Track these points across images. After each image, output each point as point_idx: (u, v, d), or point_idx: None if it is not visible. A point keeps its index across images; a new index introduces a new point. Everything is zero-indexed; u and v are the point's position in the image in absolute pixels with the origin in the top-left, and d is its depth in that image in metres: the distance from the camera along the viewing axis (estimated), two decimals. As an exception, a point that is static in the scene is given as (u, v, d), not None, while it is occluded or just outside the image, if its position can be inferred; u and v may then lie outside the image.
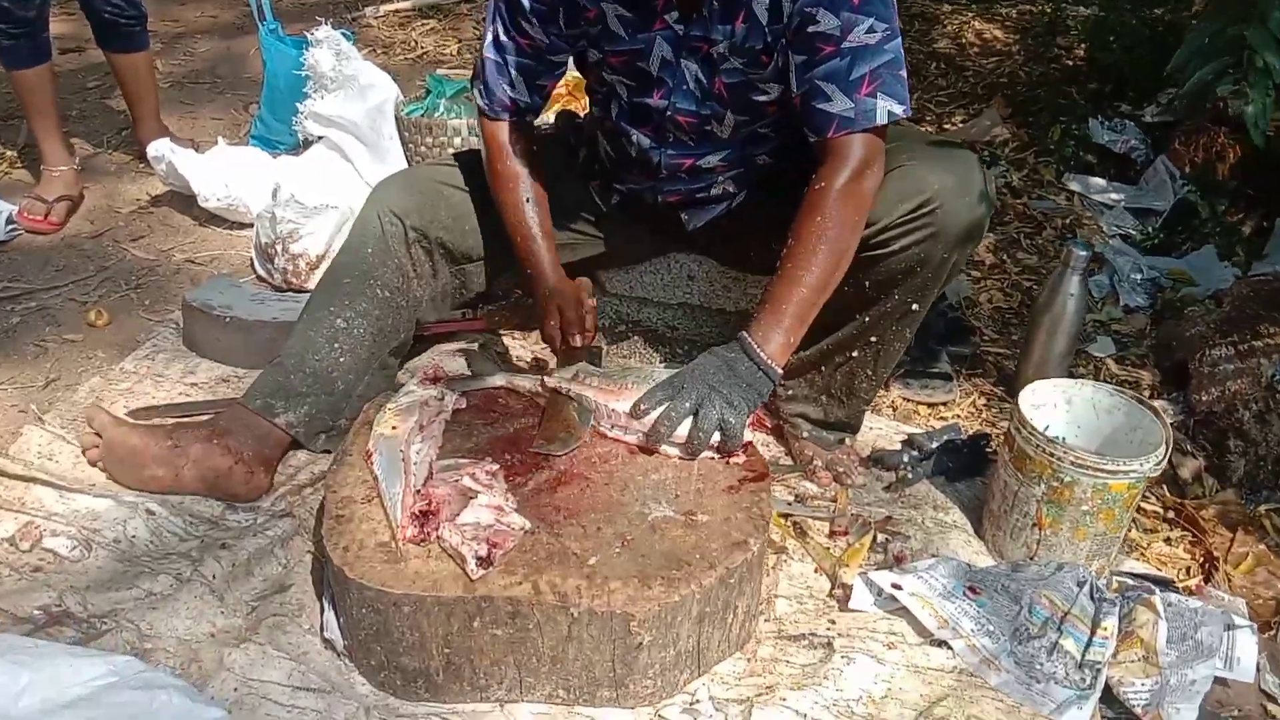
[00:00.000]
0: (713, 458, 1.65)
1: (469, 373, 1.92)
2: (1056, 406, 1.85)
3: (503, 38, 1.74)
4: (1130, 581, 1.71)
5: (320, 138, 2.72)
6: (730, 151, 1.80)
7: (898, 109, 1.57)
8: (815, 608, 1.68)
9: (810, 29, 1.54)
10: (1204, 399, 2.09)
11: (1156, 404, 2.14)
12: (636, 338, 2.39)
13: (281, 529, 1.74)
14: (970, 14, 4.38)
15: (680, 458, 1.64)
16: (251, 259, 2.61)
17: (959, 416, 2.19)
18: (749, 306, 2.26)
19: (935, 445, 2.03)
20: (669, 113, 1.73)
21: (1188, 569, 1.84)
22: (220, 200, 2.64)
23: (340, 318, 1.83)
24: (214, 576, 1.62)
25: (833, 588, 1.71)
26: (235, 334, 2.16)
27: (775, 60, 1.62)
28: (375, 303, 1.84)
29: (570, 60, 1.83)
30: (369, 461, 1.62)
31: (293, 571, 1.68)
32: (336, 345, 1.83)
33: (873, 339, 1.81)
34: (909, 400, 2.22)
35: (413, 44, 4.28)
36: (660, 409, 1.59)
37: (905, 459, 1.99)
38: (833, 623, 1.65)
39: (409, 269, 1.86)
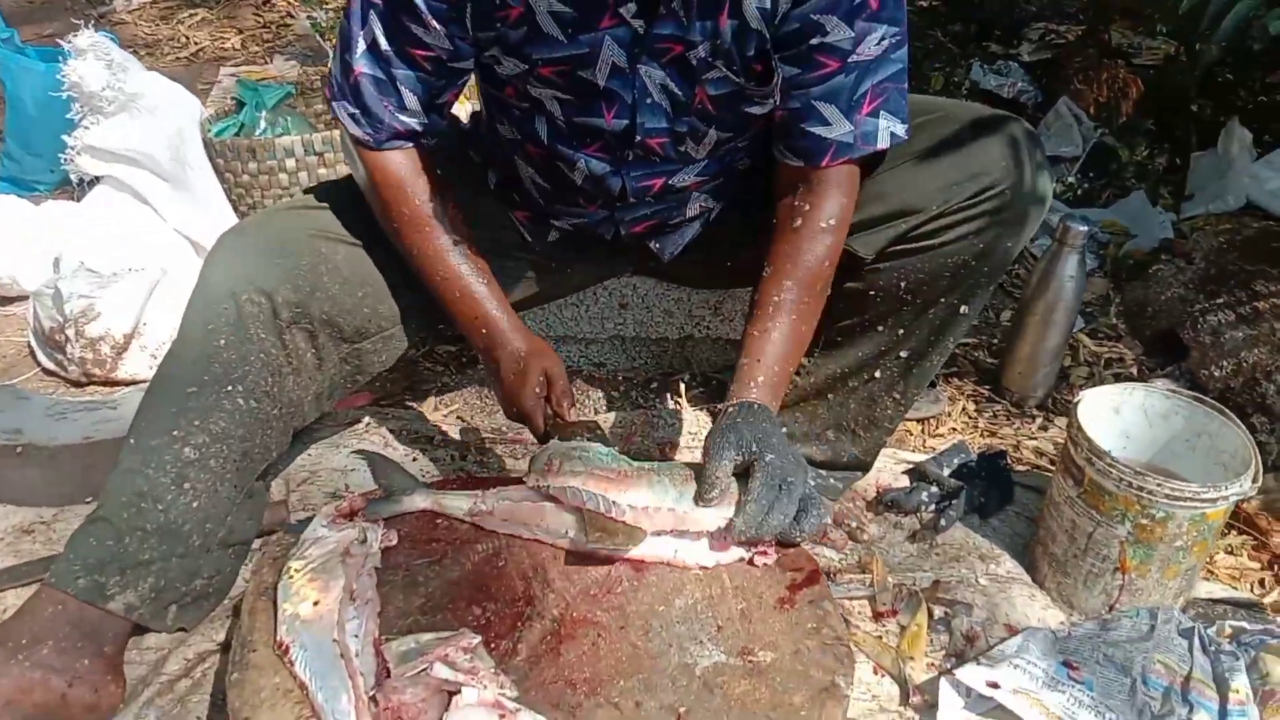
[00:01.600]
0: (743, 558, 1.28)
1: (377, 486, 1.43)
2: (1103, 418, 1.56)
3: (383, 45, 1.27)
4: (1245, 624, 1.44)
5: (101, 178, 2.10)
6: (708, 164, 1.41)
7: (900, 129, 1.31)
8: (894, 727, 1.33)
9: (814, 40, 1.22)
10: (1216, 374, 1.87)
11: (1158, 383, 1.91)
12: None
13: (161, 762, 1.22)
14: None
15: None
16: (29, 346, 1.99)
17: (955, 430, 1.88)
18: (694, 331, 1.89)
19: (949, 473, 1.71)
20: (636, 138, 1.32)
21: (1261, 581, 1.61)
22: (-12, 280, 2.00)
23: (189, 445, 1.29)
24: None
25: (906, 695, 1.36)
26: (33, 467, 1.58)
27: (774, 68, 1.26)
28: (237, 419, 1.32)
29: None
30: (287, 660, 1.14)
31: (193, 829, 1.17)
32: (187, 486, 1.29)
33: (903, 354, 1.48)
34: (897, 419, 1.89)
35: (183, 40, 3.58)
36: (760, 501, 1.19)
37: (924, 497, 1.67)
38: (923, 745, 1.31)
39: (282, 363, 1.35)
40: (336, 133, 2.08)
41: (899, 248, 1.42)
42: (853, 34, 1.23)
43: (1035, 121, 2.94)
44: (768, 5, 1.22)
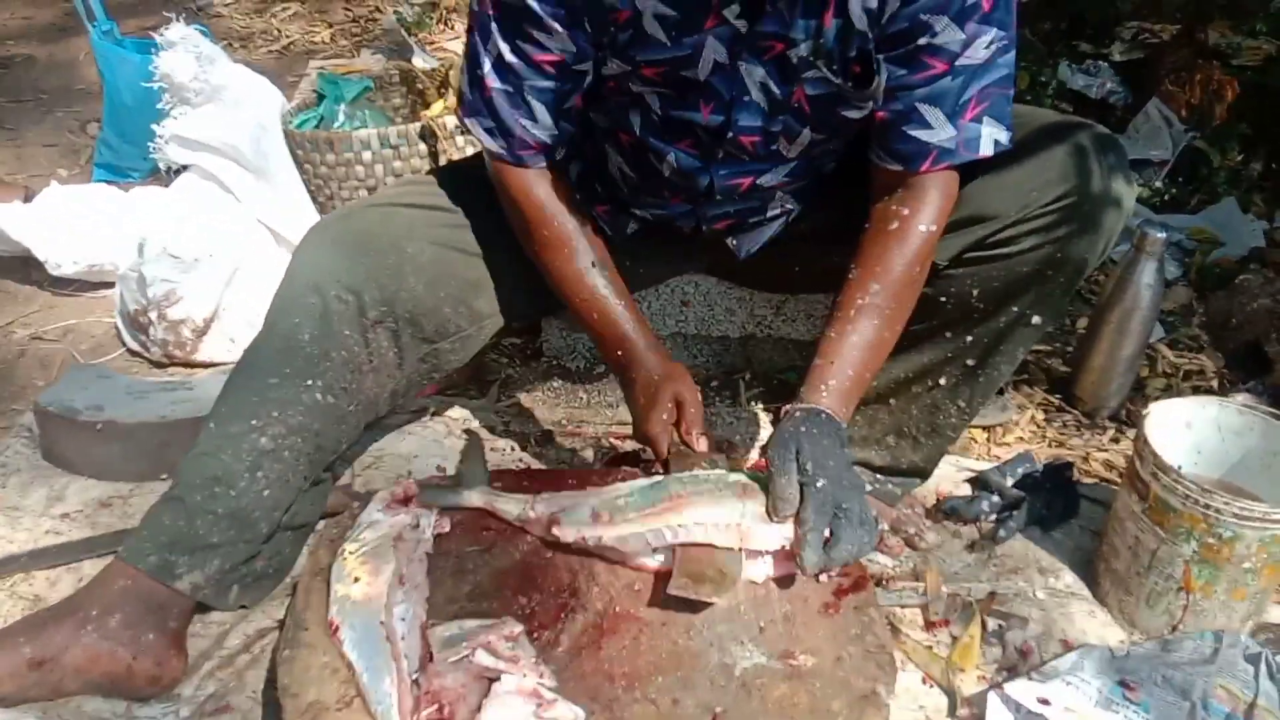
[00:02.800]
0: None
1: (457, 470, 1.45)
2: (1174, 430, 1.51)
3: (509, 58, 1.28)
4: (1316, 651, 1.39)
5: (187, 166, 2.17)
6: (796, 165, 1.40)
7: (1004, 137, 1.28)
8: (941, 739, 1.31)
9: (922, 40, 1.19)
10: (1301, 390, 1.79)
11: (1236, 398, 1.84)
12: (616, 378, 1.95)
13: (218, 732, 1.26)
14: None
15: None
16: (117, 328, 2.07)
17: (1022, 439, 1.84)
18: (756, 330, 1.88)
19: (1012, 483, 1.67)
20: (729, 134, 1.32)
21: (1339, 608, 1.54)
22: (78, 264, 2.08)
23: (265, 435, 1.33)
24: (133, 831, 1.15)
25: (954, 706, 1.34)
26: (113, 443, 1.65)
27: (876, 71, 1.23)
28: (314, 413, 1.35)
29: None
30: (336, 639, 1.17)
31: (244, 798, 1.21)
32: (260, 475, 1.33)
33: (970, 362, 1.45)
34: (962, 426, 1.86)
35: (275, 33, 3.69)
36: (816, 530, 1.15)
37: (985, 506, 1.63)
38: (968, 758, 1.28)
39: (363, 360, 1.37)
40: (413, 127, 2.13)
41: (973, 254, 1.39)
42: (963, 36, 1.20)
43: (1124, 124, 2.85)
44: (874, 5, 1.20)
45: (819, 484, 1.16)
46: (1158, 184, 2.57)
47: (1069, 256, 1.35)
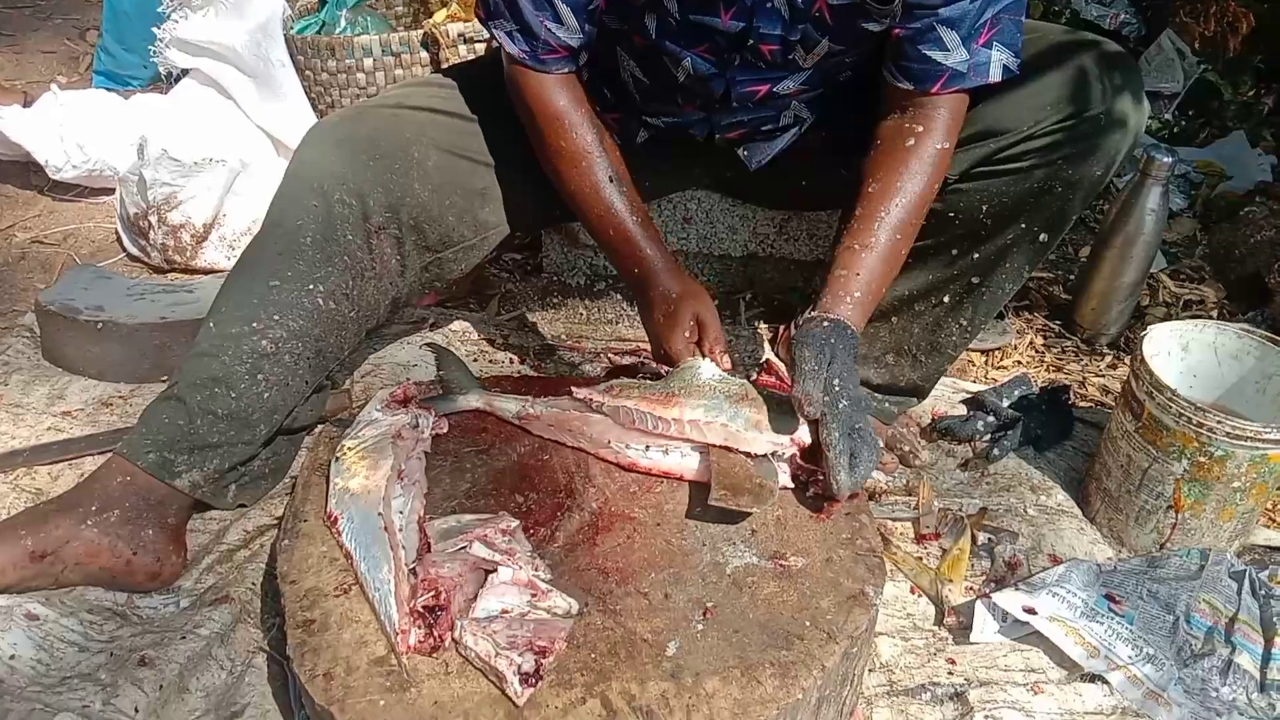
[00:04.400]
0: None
1: (438, 378, 1.46)
2: (1170, 354, 1.52)
3: None
4: (1301, 570, 1.41)
5: (188, 70, 2.15)
6: (812, 74, 1.38)
7: (1013, 63, 1.29)
8: (926, 644, 1.33)
9: None
10: (1300, 320, 1.79)
11: (1234, 325, 1.84)
12: (617, 295, 1.96)
13: (218, 621, 1.28)
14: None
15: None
16: (117, 233, 2.07)
17: (1020, 364, 1.85)
18: (758, 249, 1.88)
19: (1008, 404, 1.68)
20: (750, 41, 1.30)
21: (1325, 531, 1.56)
22: (78, 168, 2.06)
23: (266, 338, 1.32)
24: (136, 710, 1.17)
25: (941, 615, 1.36)
26: (113, 343, 1.66)
27: None
28: (315, 318, 1.34)
29: None
30: (335, 530, 1.19)
31: (243, 682, 1.24)
32: (260, 377, 1.33)
33: (975, 279, 1.45)
34: (960, 348, 1.86)
35: (276, -55, 3.63)
36: (844, 453, 1.16)
37: (980, 427, 1.65)
38: (953, 663, 1.31)
39: (366, 266, 1.37)
40: (415, 34, 2.09)
41: (983, 169, 1.38)
42: None
43: (1136, 55, 2.81)
44: None
45: (841, 404, 1.17)
46: (1167, 116, 2.55)
47: (1079, 173, 1.34)
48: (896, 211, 1.29)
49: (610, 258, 1.42)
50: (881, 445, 1.59)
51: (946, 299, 1.49)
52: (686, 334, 1.34)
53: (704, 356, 1.31)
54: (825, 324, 1.23)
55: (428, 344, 1.74)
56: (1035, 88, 1.34)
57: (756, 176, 1.56)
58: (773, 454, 1.22)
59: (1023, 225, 1.39)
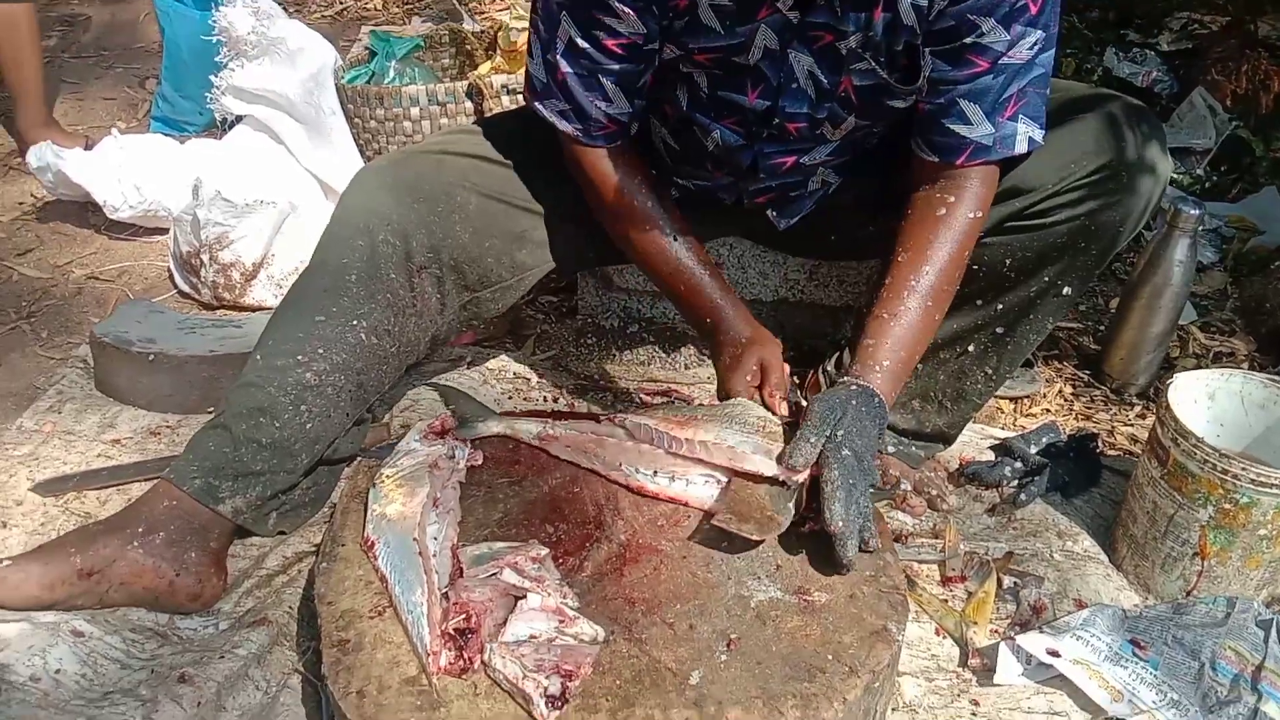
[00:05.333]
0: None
1: (455, 414, 1.50)
2: (1197, 402, 1.53)
3: (580, 43, 1.31)
4: (1328, 620, 1.40)
5: (243, 117, 2.24)
6: (839, 146, 1.44)
7: (1038, 135, 1.32)
8: (950, 686, 1.34)
9: (968, 39, 1.23)
10: (1330, 373, 1.79)
11: (1261, 375, 1.84)
12: (650, 337, 2.00)
13: (255, 642, 1.32)
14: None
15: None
16: (169, 270, 2.15)
17: (1049, 412, 1.86)
18: (788, 294, 1.91)
19: (1036, 451, 1.70)
20: (775, 120, 1.36)
21: (1357, 584, 1.55)
22: (135, 208, 2.15)
23: (310, 370, 1.37)
24: (174, 725, 1.21)
25: (965, 656, 1.37)
26: (162, 374, 1.72)
27: (921, 64, 1.27)
28: (358, 352, 1.39)
29: None
30: (371, 554, 1.23)
31: (278, 702, 1.27)
32: (304, 408, 1.38)
33: (1000, 329, 1.48)
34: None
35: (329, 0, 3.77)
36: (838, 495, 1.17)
37: (1008, 472, 1.66)
38: (977, 705, 1.31)
39: (407, 304, 1.42)
40: (460, 85, 2.18)
41: (1011, 224, 1.42)
42: (1008, 37, 1.23)
43: (1168, 113, 2.84)
44: (924, 2, 1.22)
45: (843, 451, 1.19)
46: (1199, 172, 2.57)
47: (1103, 227, 1.37)
48: (926, 279, 1.32)
49: (683, 312, 1.47)
50: (908, 487, 1.62)
51: (972, 348, 1.51)
52: (749, 377, 1.37)
53: (764, 399, 1.34)
54: (854, 389, 1.26)
55: (429, 384, 1.80)
56: (1060, 144, 1.37)
57: (789, 231, 1.60)
58: (782, 482, 1.24)
59: (1047, 278, 1.42)
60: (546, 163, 1.46)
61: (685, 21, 1.28)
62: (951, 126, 1.30)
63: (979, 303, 1.48)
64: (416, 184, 1.43)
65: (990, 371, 1.53)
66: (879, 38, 1.26)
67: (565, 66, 1.33)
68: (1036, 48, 1.25)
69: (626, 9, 1.26)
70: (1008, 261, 1.42)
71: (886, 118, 1.37)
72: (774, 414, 1.32)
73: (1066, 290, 1.44)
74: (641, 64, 1.33)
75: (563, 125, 1.38)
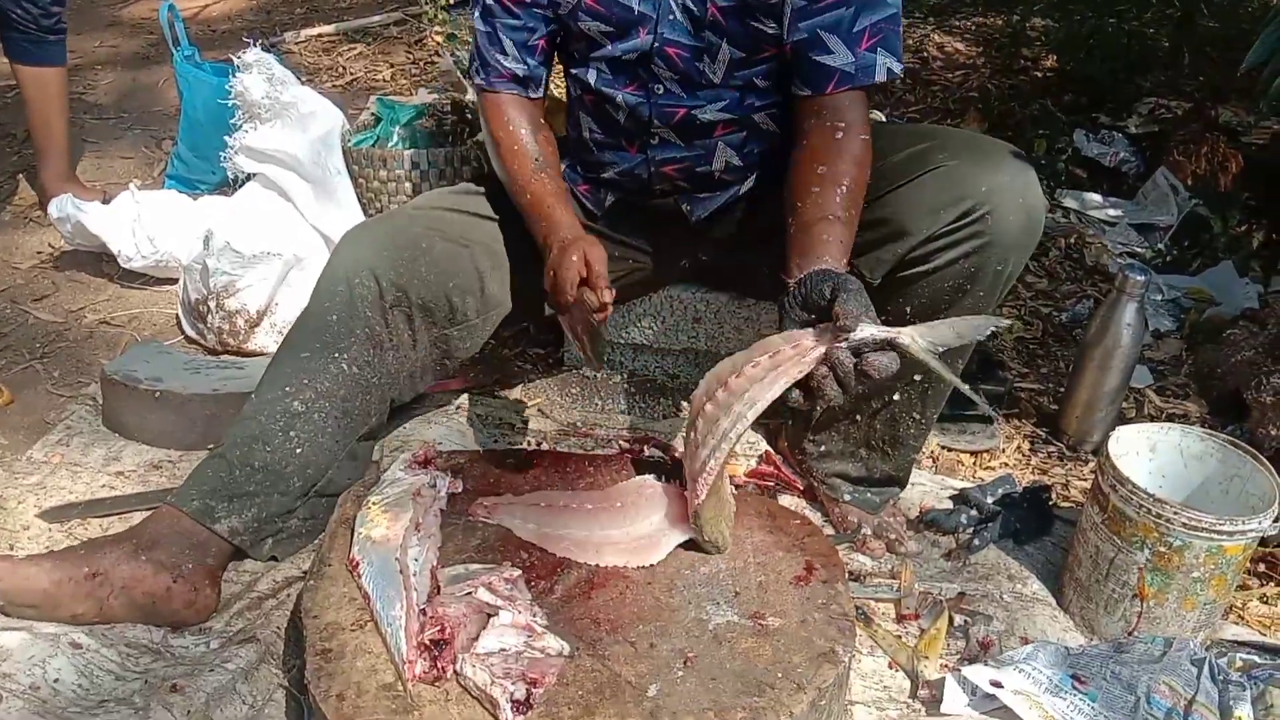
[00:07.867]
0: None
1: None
2: (1139, 454, 1.62)
3: (489, 1, 1.58)
4: (1257, 659, 1.48)
5: (253, 175, 2.38)
6: (727, 102, 1.57)
7: (896, 66, 1.47)
8: (900, 715, 1.42)
9: None
10: (1273, 433, 1.89)
11: (1198, 429, 1.94)
12: (631, 389, 2.10)
13: (243, 658, 1.40)
14: (929, 26, 4.22)
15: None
16: (178, 317, 2.26)
17: (1006, 465, 1.96)
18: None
19: (992, 501, 1.79)
20: (656, 45, 1.52)
21: (1293, 631, 1.63)
22: (148, 259, 2.28)
23: (298, 400, 1.51)
24: (164, 732, 1.28)
25: (915, 688, 1.45)
26: (167, 411, 1.82)
27: None
28: (340, 380, 1.53)
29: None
30: (355, 573, 1.32)
31: (263, 714, 1.35)
32: (293, 435, 1.51)
33: (918, 377, 1.57)
34: (950, 449, 1.98)
35: (340, 70, 3.94)
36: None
37: (963, 520, 1.75)
38: (924, 732, 1.39)
39: (383, 338, 1.56)
40: (459, 149, 2.32)
41: (900, 274, 1.50)
42: None
43: (1134, 190, 2.99)
44: None
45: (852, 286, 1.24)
46: (1160, 246, 2.70)
47: (982, 271, 1.45)
48: (848, 184, 1.40)
49: (533, 232, 1.56)
50: (868, 531, 1.71)
51: (896, 396, 1.60)
52: (577, 257, 1.43)
53: (590, 290, 1.41)
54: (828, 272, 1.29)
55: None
56: (932, 189, 1.45)
57: (729, 264, 1.75)
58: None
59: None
60: (512, 215, 1.61)
61: None
62: (816, 58, 1.45)
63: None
64: (391, 236, 1.58)
65: (918, 416, 1.63)
66: None
67: (480, 26, 1.60)
68: None
69: None
70: (907, 310, 1.50)
71: (758, 48, 1.51)
72: (598, 301, 1.39)
73: None
74: (531, 20, 1.57)
75: (475, 79, 1.63)
